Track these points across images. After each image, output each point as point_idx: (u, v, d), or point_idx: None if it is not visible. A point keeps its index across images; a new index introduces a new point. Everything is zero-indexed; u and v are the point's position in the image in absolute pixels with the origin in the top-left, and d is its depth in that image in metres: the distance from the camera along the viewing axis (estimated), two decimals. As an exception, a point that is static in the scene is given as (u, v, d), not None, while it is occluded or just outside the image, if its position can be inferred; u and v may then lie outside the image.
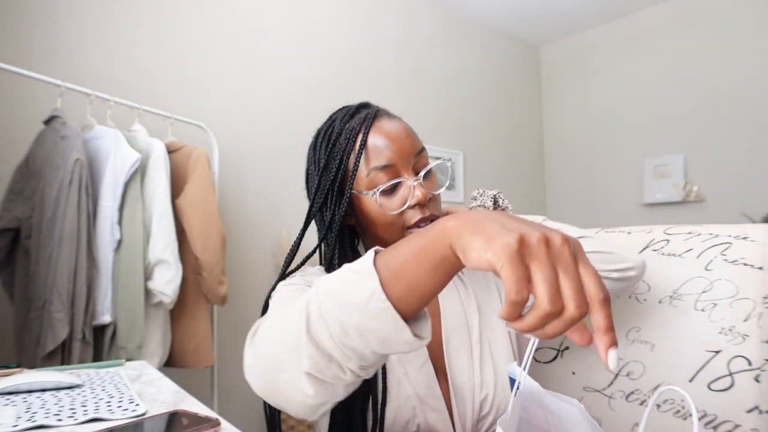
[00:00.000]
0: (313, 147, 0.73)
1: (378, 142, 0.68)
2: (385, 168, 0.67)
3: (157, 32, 2.00)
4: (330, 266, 0.72)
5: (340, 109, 0.75)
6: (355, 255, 0.72)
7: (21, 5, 1.69)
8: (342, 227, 0.72)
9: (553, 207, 3.68)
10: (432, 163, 0.72)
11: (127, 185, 1.46)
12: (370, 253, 0.43)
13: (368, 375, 0.45)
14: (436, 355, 0.71)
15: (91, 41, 1.83)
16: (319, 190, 0.70)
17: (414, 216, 0.68)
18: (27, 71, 1.44)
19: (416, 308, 0.41)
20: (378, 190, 0.68)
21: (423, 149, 0.72)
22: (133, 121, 1.65)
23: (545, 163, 3.76)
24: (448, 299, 0.75)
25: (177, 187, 1.63)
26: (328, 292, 0.43)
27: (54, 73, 1.53)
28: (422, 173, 0.69)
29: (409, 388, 0.67)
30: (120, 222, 1.45)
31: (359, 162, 0.68)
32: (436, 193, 0.71)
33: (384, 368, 0.67)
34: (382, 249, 0.45)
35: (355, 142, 0.68)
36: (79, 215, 1.33)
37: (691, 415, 0.78)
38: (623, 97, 3.33)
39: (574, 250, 0.35)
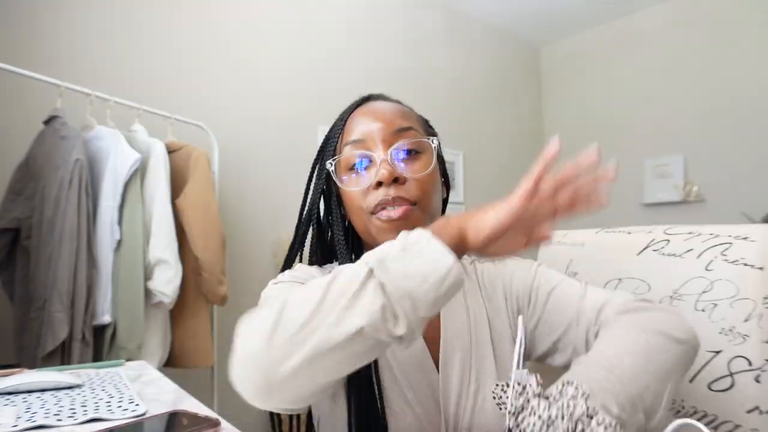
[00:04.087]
0: None
1: (354, 120, 0.67)
2: (354, 143, 0.65)
3: (158, 32, 2.00)
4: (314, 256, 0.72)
5: None
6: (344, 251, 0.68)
7: (20, 5, 1.69)
8: (343, 221, 0.70)
9: (553, 207, 3.67)
10: (410, 140, 0.65)
11: (127, 185, 1.46)
12: (425, 232, 0.46)
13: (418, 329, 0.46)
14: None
15: (90, 41, 1.83)
16: (312, 173, 0.71)
17: (376, 197, 0.62)
18: (27, 71, 1.44)
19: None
20: (334, 159, 0.65)
21: (407, 128, 0.65)
22: (133, 121, 1.65)
23: (545, 163, 3.75)
24: (449, 318, 0.68)
25: (177, 187, 1.63)
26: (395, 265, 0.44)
27: (54, 73, 1.52)
28: (391, 150, 0.63)
29: (409, 415, 0.61)
30: (120, 222, 1.45)
31: (337, 140, 0.67)
32: (417, 176, 0.63)
33: (380, 400, 0.61)
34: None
35: (341, 122, 0.68)
36: (79, 215, 1.33)
37: (692, 415, 0.78)
38: (623, 97, 3.33)
39: None
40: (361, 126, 0.65)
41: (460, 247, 0.48)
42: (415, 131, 0.66)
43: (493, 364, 0.66)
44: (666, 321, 0.58)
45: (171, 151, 1.66)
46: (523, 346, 0.47)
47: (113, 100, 1.59)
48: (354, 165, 0.64)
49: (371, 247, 0.61)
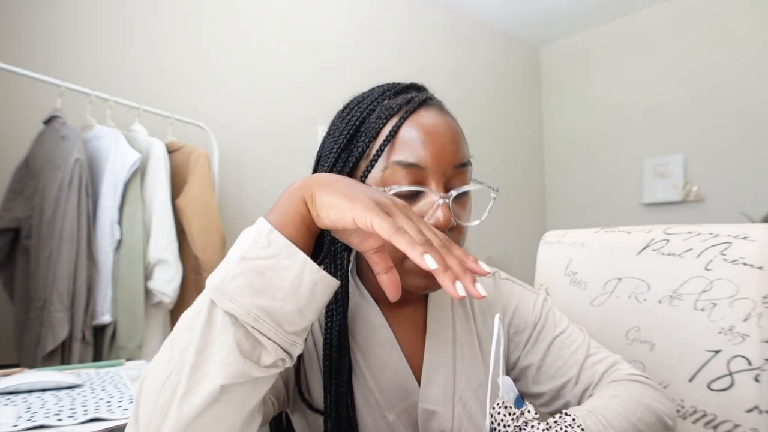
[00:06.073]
0: (340, 118, 0.59)
1: (412, 133, 0.53)
2: (409, 167, 0.52)
3: (157, 32, 2.00)
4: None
5: (385, 84, 0.61)
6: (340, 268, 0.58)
7: (20, 5, 1.69)
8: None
9: (553, 207, 3.68)
10: (473, 186, 0.56)
11: (127, 185, 1.47)
12: (264, 225, 0.40)
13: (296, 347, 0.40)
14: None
15: (91, 41, 1.83)
16: (335, 169, 0.56)
17: None
18: (27, 71, 1.44)
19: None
20: (390, 189, 0.52)
21: (467, 164, 0.56)
22: (133, 121, 1.65)
23: (545, 163, 3.76)
24: (433, 338, 0.62)
25: (177, 187, 1.63)
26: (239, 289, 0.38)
27: (54, 73, 1.53)
28: (454, 192, 0.54)
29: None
30: (120, 222, 1.45)
31: (382, 150, 0.53)
32: (465, 224, 0.56)
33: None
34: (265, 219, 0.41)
35: (386, 124, 0.54)
36: (79, 215, 1.33)
37: (691, 414, 0.78)
38: (623, 97, 3.33)
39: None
40: (420, 148, 0.52)
41: (309, 229, 0.42)
42: (470, 167, 0.57)
43: (480, 383, 0.62)
44: (662, 404, 0.60)
45: (171, 151, 1.66)
46: (502, 346, 0.47)
47: (113, 100, 1.59)
48: (393, 186, 0.53)
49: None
